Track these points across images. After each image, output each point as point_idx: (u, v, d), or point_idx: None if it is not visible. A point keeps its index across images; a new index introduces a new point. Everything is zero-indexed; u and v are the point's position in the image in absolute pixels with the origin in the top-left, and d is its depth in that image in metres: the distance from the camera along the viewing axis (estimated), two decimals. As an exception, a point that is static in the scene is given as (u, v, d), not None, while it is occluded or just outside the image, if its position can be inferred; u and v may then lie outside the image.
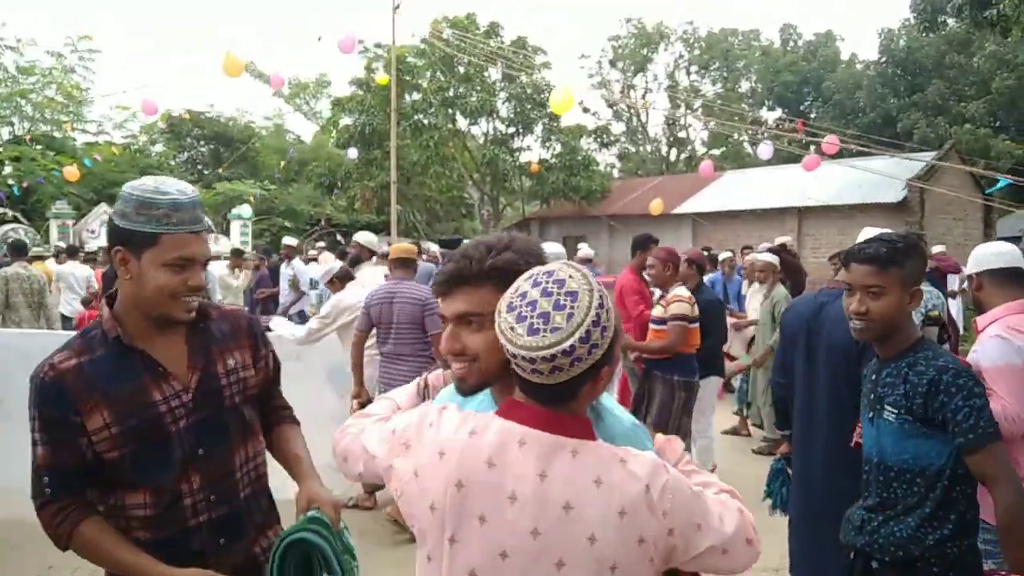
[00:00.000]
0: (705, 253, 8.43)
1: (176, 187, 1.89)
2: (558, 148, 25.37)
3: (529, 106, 24.40)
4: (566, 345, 1.25)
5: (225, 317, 2.11)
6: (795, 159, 20.24)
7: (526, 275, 1.36)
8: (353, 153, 20.54)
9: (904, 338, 2.30)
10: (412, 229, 27.02)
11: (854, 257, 2.31)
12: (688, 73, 35.05)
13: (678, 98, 28.97)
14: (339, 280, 5.75)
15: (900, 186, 19.21)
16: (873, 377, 2.35)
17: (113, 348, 1.89)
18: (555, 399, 1.33)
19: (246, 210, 20.85)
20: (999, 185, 9.67)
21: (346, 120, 24.09)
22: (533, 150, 27.24)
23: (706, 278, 6.41)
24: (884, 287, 2.26)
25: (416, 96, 24.13)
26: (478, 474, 1.32)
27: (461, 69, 22.90)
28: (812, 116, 31.79)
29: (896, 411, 2.20)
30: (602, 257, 22.71)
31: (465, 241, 7.21)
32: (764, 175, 24.61)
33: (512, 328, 1.29)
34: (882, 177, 17.08)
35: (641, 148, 34.46)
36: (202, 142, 32.37)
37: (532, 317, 1.27)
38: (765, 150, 15.01)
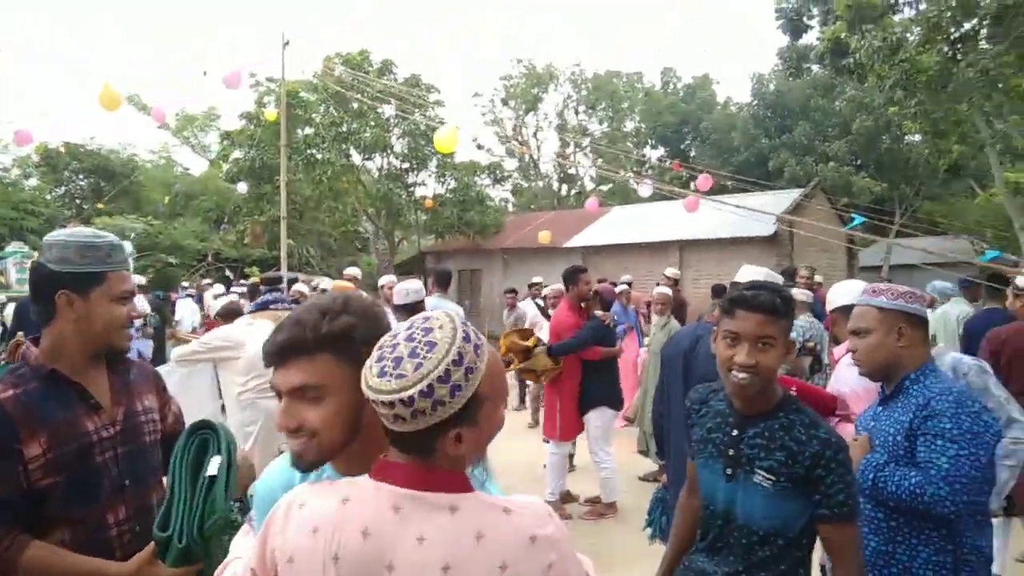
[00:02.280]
0: (615, 285, 8.54)
1: (102, 233, 2.02)
2: (452, 184, 25.32)
3: (423, 142, 24.19)
4: (404, 395, 1.21)
5: (134, 364, 2.20)
6: (678, 194, 19.99)
7: (409, 319, 1.32)
8: (243, 187, 19.99)
9: (773, 394, 2.18)
10: (306, 264, 26.34)
11: (744, 304, 2.11)
12: (576, 113, 35.98)
13: (567, 137, 29.58)
14: (222, 318, 5.59)
15: (771, 220, 19.69)
16: (732, 432, 2.19)
17: (46, 381, 1.96)
18: (415, 449, 1.28)
19: (126, 246, 19.75)
20: (856, 222, 10.47)
21: (236, 154, 23.56)
22: (428, 185, 26.03)
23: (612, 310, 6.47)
24: (775, 339, 2.10)
25: (309, 130, 23.74)
26: (353, 545, 1.24)
27: (355, 105, 22.73)
28: (692, 154, 32.73)
29: (774, 477, 2.09)
30: (495, 291, 22.72)
31: (299, 279, 7.27)
32: (648, 210, 25.30)
33: (369, 367, 1.26)
34: (756, 212, 17.67)
35: (533, 184, 34.81)
36: (81, 175, 31.04)
37: (387, 360, 1.24)
38: (645, 189, 15.49)
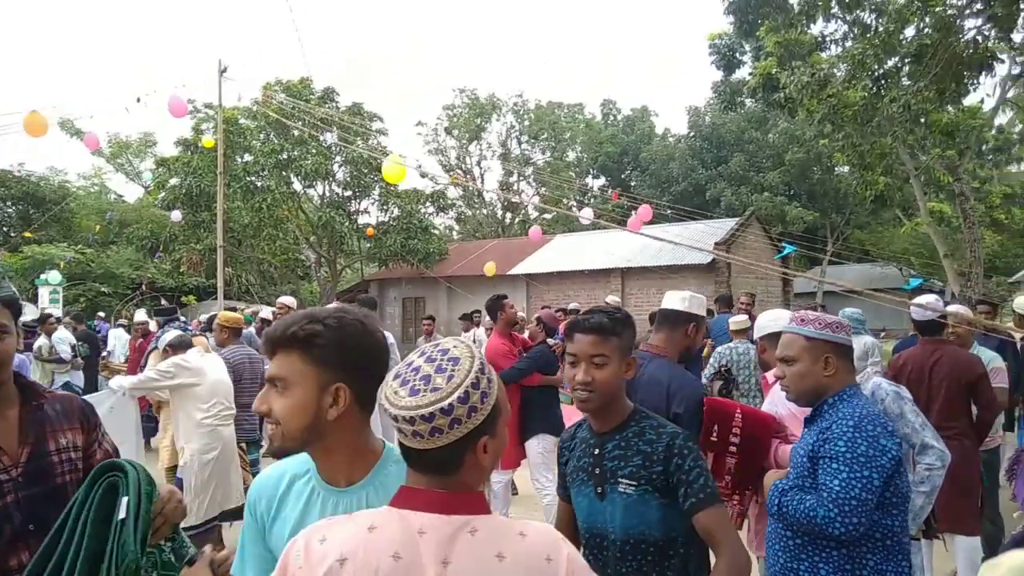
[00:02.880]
0: (563, 312, 8.18)
1: None
2: (396, 212, 25.24)
3: (366, 170, 24.14)
4: (444, 404, 1.26)
5: (59, 399, 2.11)
6: (618, 222, 20.59)
7: (419, 349, 1.39)
8: (177, 216, 19.62)
9: (623, 408, 2.26)
10: (245, 292, 26.14)
11: (578, 328, 2.24)
12: (519, 143, 36.18)
13: (510, 166, 29.64)
14: (172, 349, 5.45)
15: (708, 247, 19.57)
16: (595, 452, 2.26)
17: None
18: (440, 468, 1.32)
19: (54, 276, 19.34)
20: (786, 251, 10.70)
21: (172, 181, 23.15)
22: (371, 213, 26.18)
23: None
24: (607, 356, 2.20)
25: (248, 158, 23.42)
26: (387, 568, 1.27)
27: (296, 132, 22.50)
28: (632, 184, 32.98)
29: (635, 483, 2.16)
30: (440, 319, 22.52)
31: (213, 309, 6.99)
32: (590, 238, 25.27)
33: (396, 392, 1.30)
34: (692, 239, 17.95)
35: (477, 212, 34.57)
36: (8, 203, 30.12)
37: (415, 380, 1.30)
38: (587, 213, 15.71)
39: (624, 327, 2.23)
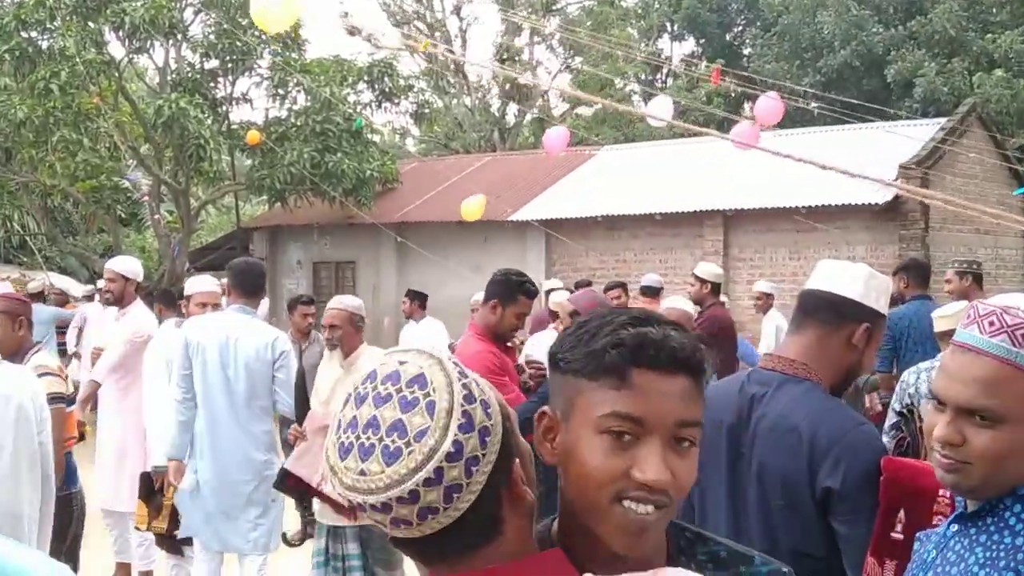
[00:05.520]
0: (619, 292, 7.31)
1: None
2: (301, 100, 17.89)
3: (245, 22, 16.41)
4: (427, 471, 0.94)
5: None
6: (719, 125, 16.61)
7: (350, 393, 1.04)
8: None
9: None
10: (20, 246, 19.37)
11: (650, 362, 1.13)
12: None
13: (515, 16, 19.39)
14: None
15: (888, 176, 13.88)
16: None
17: None
18: (465, 548, 0.99)
19: None
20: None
21: None
22: (254, 102, 19.46)
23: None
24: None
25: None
26: None
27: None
28: (746, 52, 23.99)
29: None
30: (388, 299, 17.36)
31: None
32: (665, 155, 18.62)
33: (363, 472, 0.97)
34: (860, 161, 12.56)
35: (455, 101, 25.22)
36: None
37: (383, 439, 0.97)
38: (660, 109, 10.96)
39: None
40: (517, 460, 1.01)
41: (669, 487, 1.02)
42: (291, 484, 4.24)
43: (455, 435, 0.93)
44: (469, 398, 0.96)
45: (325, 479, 3.72)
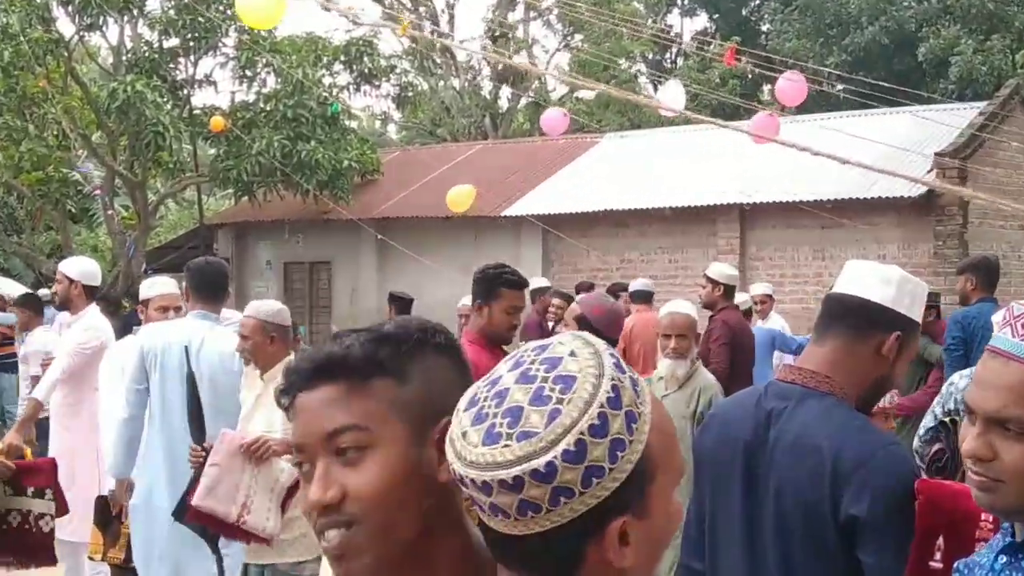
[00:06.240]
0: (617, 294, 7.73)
1: None
2: (271, 82, 17.20)
3: None
4: (539, 463, 0.92)
5: None
6: (733, 113, 16.82)
7: (514, 354, 1.04)
8: None
9: None
10: None
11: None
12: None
13: None
14: None
15: (921, 167, 13.63)
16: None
17: None
18: (537, 566, 0.98)
19: None
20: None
21: None
22: (218, 85, 18.05)
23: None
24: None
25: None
26: None
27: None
28: (764, 29, 23.28)
29: None
30: (368, 303, 16.90)
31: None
32: (676, 143, 17.82)
33: (465, 433, 0.96)
34: (890, 150, 12.79)
35: (441, 83, 24.04)
36: None
37: (496, 415, 0.96)
38: (671, 96, 10.50)
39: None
40: (627, 519, 0.96)
41: (334, 503, 1.02)
42: (198, 522, 3.80)
43: (552, 457, 0.90)
44: (595, 430, 0.91)
45: (247, 509, 3.62)
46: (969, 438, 1.38)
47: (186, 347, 4.09)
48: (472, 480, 0.90)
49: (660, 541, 1.00)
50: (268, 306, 4.15)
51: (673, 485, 1.00)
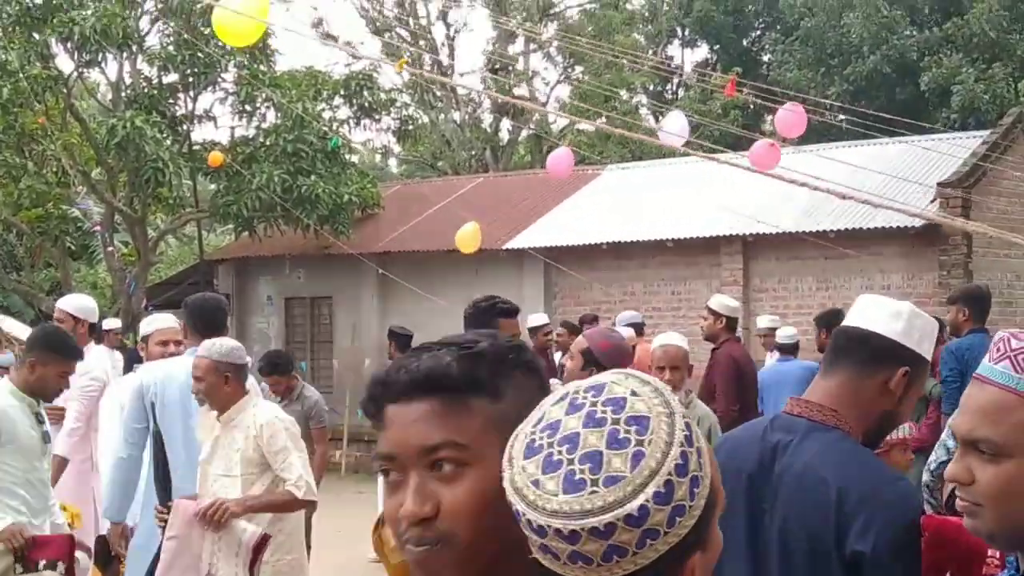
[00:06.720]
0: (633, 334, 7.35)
1: None
2: (271, 117, 17.18)
3: (208, 31, 15.42)
4: (633, 507, 0.93)
5: None
6: (732, 144, 16.00)
7: (556, 394, 1.05)
8: None
9: None
10: None
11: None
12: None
13: (508, 22, 18.19)
14: None
15: (924, 197, 13.88)
16: None
17: None
18: None
19: None
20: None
21: None
22: (218, 120, 18.07)
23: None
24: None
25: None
26: None
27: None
28: (765, 59, 23.06)
29: None
30: (369, 339, 16.92)
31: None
32: (677, 175, 17.61)
33: (536, 481, 0.96)
34: (892, 180, 13.01)
35: (442, 117, 23.57)
36: None
37: (571, 461, 0.96)
38: (671, 128, 10.11)
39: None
40: (698, 555, 0.98)
41: (428, 517, 1.04)
42: None
43: (644, 501, 0.92)
44: (679, 470, 0.94)
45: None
46: (951, 463, 1.41)
47: (187, 384, 3.95)
48: (557, 530, 0.90)
49: (711, 572, 1.02)
50: (221, 345, 4.02)
51: (720, 513, 1.03)
